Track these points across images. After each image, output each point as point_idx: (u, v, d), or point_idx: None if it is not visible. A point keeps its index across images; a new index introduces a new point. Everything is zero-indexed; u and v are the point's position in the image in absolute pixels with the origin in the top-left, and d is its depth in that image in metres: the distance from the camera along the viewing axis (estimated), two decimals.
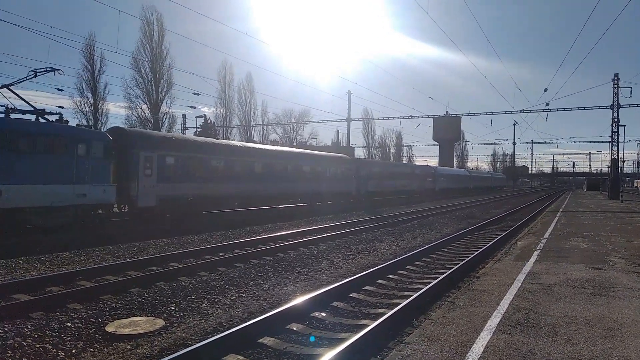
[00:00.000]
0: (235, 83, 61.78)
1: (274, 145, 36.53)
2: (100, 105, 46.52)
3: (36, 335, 5.95)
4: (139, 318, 6.82)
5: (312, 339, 6.10)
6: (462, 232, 17.14)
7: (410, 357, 4.49)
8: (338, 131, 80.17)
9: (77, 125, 17.80)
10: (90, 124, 43.05)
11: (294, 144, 68.69)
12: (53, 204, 14.19)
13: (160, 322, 6.61)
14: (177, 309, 7.33)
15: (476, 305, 6.40)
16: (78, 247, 12.50)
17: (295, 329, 6.37)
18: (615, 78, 42.73)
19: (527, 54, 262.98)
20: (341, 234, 16.40)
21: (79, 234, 14.58)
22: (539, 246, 12.09)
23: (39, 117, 15.27)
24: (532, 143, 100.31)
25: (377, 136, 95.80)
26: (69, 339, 5.94)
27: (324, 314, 7.08)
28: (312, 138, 76.84)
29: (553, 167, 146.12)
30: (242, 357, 5.37)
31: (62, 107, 47.46)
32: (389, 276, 9.79)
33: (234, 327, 6.09)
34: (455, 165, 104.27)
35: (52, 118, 15.68)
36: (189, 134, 55.57)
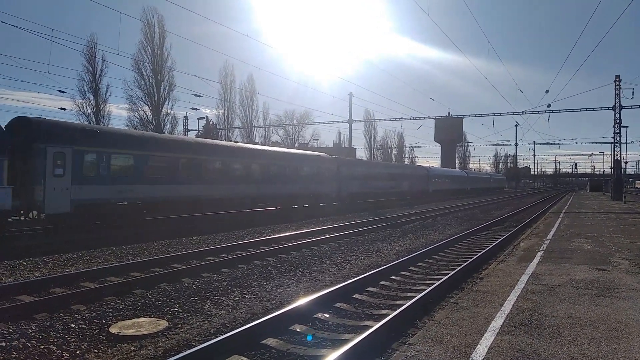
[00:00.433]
0: (236, 85, 61.99)
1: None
2: (102, 107, 46.69)
3: (40, 337, 5.96)
4: (142, 319, 6.83)
5: (309, 337, 6.11)
6: (464, 234, 17.11)
7: (414, 358, 4.49)
8: (340, 132, 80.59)
9: None
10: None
11: (296, 145, 68.84)
12: None
13: (163, 323, 6.62)
14: (180, 310, 7.34)
15: (480, 306, 6.39)
16: (81, 249, 12.53)
17: (298, 330, 6.37)
18: (617, 79, 42.66)
19: (528, 56, 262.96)
20: (344, 235, 16.40)
21: (76, 235, 14.57)
22: (542, 247, 12.06)
23: None
24: (534, 144, 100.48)
25: (379, 137, 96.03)
26: (73, 340, 5.95)
27: (327, 315, 7.08)
28: (313, 139, 77.08)
29: (555, 168, 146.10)
30: (245, 358, 5.37)
31: (64, 109, 47.87)
32: (392, 277, 9.79)
33: (237, 328, 6.09)
34: (457, 166, 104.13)
35: None
36: (192, 135, 55.71)
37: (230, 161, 22.52)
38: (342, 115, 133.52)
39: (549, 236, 14.63)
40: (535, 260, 10.02)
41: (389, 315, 6.57)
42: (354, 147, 72.04)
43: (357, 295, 8.23)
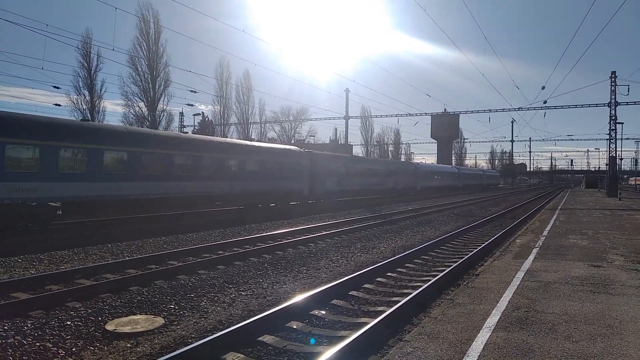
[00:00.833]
0: (232, 81, 61.91)
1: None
2: (97, 102, 46.53)
3: (36, 334, 5.94)
4: (138, 316, 6.82)
5: (312, 341, 6.02)
6: (460, 230, 17.16)
7: (410, 354, 4.50)
8: (336, 129, 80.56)
9: None
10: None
11: (292, 142, 68.69)
12: None
13: (160, 321, 6.61)
14: (176, 307, 7.32)
15: (475, 302, 6.41)
16: (76, 246, 12.48)
17: (295, 327, 6.37)
18: (613, 76, 42.82)
19: (524, 52, 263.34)
20: (340, 231, 16.41)
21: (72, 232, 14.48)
22: (537, 244, 12.11)
23: None
24: (530, 141, 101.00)
25: (376, 134, 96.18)
26: (69, 337, 5.93)
27: (323, 312, 7.09)
28: (310, 136, 76.97)
29: (551, 165, 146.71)
30: (242, 355, 5.38)
31: (59, 105, 47.56)
32: (388, 274, 9.80)
33: (233, 325, 6.09)
34: (453, 162, 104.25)
35: None
36: (188, 132, 55.51)
37: (167, 154, 18.87)
38: (338, 111, 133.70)
39: (545, 233, 14.69)
40: (531, 257, 10.06)
41: (385, 312, 6.58)
42: (351, 143, 72.09)
43: (353, 292, 8.24)
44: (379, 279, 9.31)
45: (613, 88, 42.65)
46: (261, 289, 8.57)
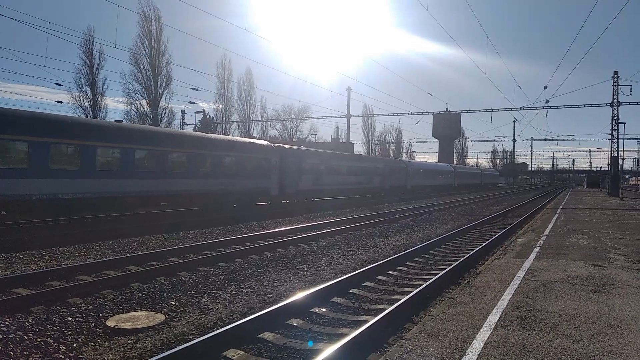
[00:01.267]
0: (234, 79, 61.72)
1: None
2: (99, 100, 46.40)
3: (37, 330, 5.96)
4: (139, 313, 6.84)
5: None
6: (461, 229, 17.15)
7: (410, 352, 4.50)
8: (338, 127, 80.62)
9: None
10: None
11: (294, 140, 68.65)
12: None
13: (160, 317, 6.63)
14: (177, 304, 7.34)
15: (476, 301, 6.41)
16: (77, 242, 12.50)
17: (295, 324, 6.38)
18: (615, 76, 42.69)
19: (526, 51, 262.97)
20: (341, 229, 16.41)
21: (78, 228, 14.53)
22: (538, 243, 12.10)
23: None
24: (532, 140, 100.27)
25: (377, 132, 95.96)
26: (70, 333, 5.95)
27: (324, 310, 7.10)
28: (311, 134, 76.90)
29: (553, 164, 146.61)
30: (242, 352, 5.39)
31: (61, 102, 47.61)
32: (389, 272, 9.81)
33: (234, 322, 6.10)
34: (455, 161, 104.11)
35: None
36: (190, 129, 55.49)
37: (96, 146, 16.05)
38: (340, 110, 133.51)
39: (546, 232, 14.67)
40: (532, 256, 10.05)
41: (385, 309, 6.59)
42: (352, 142, 71.98)
43: (354, 290, 8.25)
44: (379, 277, 9.31)
45: (615, 88, 42.52)
46: (262, 286, 8.58)
